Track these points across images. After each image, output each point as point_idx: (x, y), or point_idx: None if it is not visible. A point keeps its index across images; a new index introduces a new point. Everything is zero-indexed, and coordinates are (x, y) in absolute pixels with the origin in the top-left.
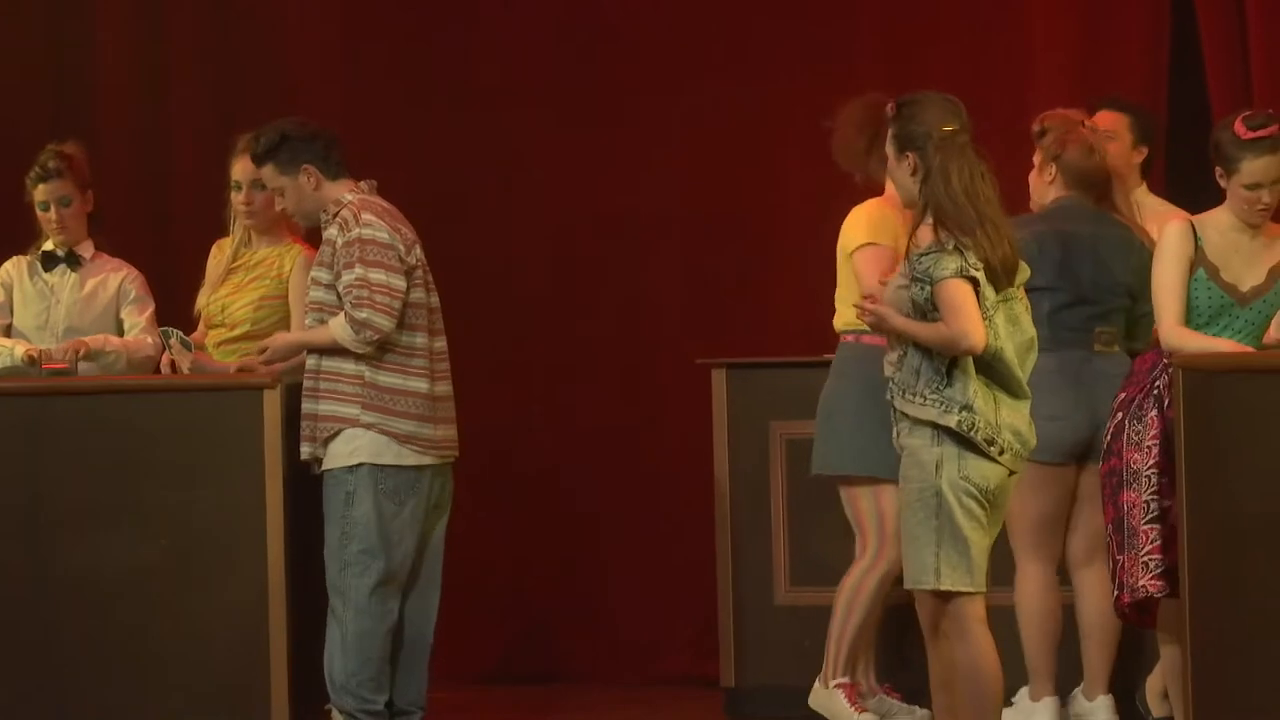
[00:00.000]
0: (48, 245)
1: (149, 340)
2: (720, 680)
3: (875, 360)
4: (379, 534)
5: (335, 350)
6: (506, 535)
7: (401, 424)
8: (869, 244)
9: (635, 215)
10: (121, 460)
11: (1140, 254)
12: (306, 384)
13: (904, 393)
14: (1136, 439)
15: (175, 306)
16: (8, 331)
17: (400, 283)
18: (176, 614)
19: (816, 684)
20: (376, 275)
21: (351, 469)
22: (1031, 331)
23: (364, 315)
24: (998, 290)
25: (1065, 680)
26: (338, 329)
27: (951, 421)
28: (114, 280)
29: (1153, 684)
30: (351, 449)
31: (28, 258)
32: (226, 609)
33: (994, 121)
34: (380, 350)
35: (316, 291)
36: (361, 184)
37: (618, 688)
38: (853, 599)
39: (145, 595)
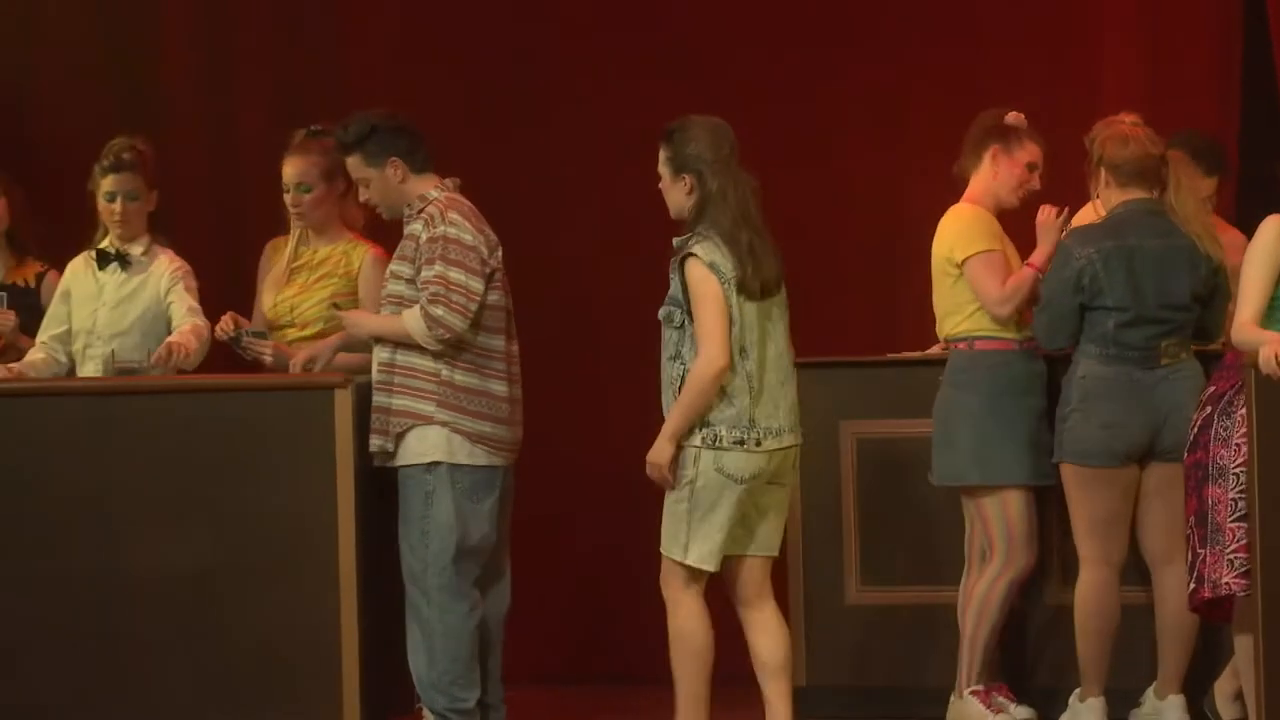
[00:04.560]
0: (104, 243)
1: (200, 323)
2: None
3: (989, 366)
4: (460, 533)
5: (410, 345)
6: (576, 535)
7: (475, 424)
8: (981, 251)
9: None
10: (192, 459)
11: (1206, 264)
12: (379, 377)
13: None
14: (1224, 435)
15: (244, 303)
16: (67, 335)
17: (478, 285)
18: (247, 613)
19: (952, 698)
20: (456, 274)
21: (428, 468)
22: (783, 344)
23: (439, 312)
24: (759, 300)
25: (1132, 678)
26: (411, 322)
27: (696, 440)
28: (159, 271)
29: (1222, 686)
30: (426, 447)
31: (83, 256)
32: (298, 608)
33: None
34: (457, 350)
35: (396, 285)
36: (446, 181)
37: None
38: (983, 607)
39: (215, 594)
